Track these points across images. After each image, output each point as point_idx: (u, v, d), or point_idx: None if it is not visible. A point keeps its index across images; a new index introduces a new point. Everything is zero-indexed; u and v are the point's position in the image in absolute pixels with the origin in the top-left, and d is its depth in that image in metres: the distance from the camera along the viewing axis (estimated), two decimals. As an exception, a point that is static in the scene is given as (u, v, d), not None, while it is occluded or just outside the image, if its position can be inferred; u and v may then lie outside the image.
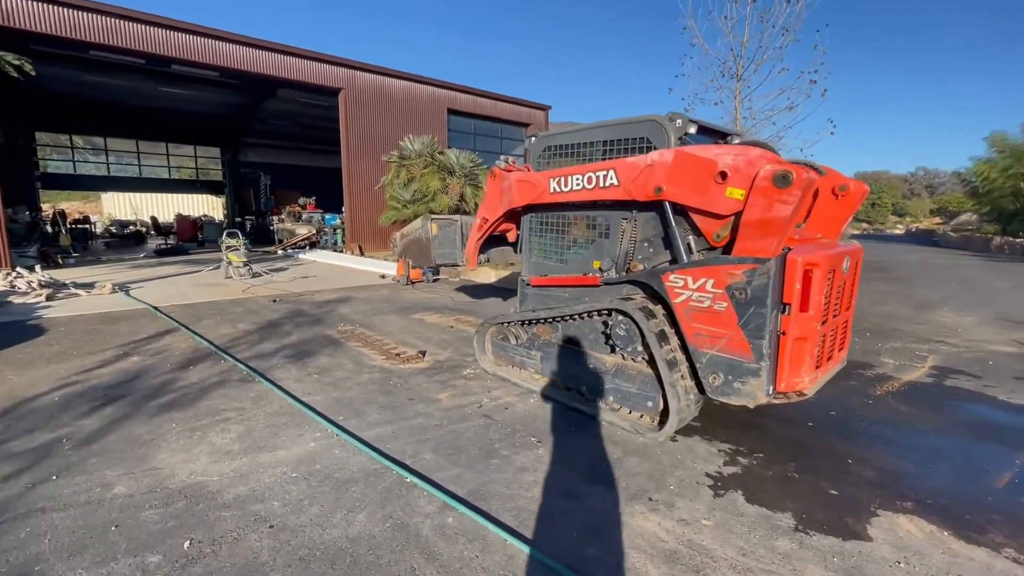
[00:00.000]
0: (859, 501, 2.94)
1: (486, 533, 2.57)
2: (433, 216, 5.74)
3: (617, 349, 3.83)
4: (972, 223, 25.66)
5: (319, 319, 7.29)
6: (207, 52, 13.14)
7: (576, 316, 4.09)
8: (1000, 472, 3.30)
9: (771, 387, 3.14)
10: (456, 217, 5.70)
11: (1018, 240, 18.41)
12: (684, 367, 3.51)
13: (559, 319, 4.25)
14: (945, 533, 2.65)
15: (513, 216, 4.79)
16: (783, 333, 3.07)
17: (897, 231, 36.84)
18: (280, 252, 16.89)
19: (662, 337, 3.48)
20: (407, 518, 2.69)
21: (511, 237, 5.14)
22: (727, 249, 3.28)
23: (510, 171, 4.64)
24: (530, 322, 4.52)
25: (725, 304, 3.13)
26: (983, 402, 4.52)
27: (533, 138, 4.65)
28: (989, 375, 5.20)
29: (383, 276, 11.45)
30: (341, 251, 16.74)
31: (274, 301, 8.53)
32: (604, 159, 4.04)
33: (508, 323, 4.75)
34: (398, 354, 5.60)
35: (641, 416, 3.79)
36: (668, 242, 3.57)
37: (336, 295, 9.28)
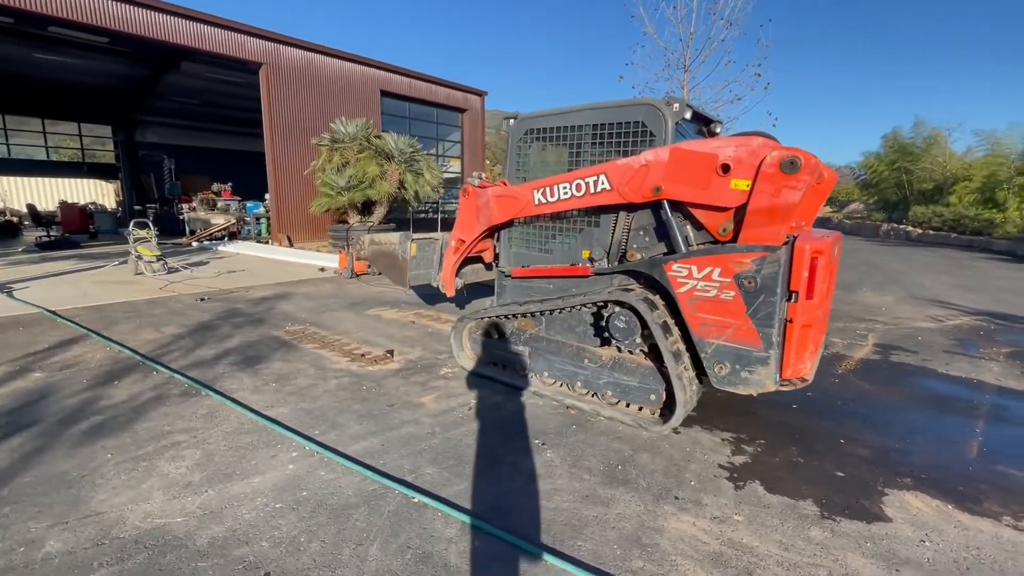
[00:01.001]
0: (865, 481, 3.02)
1: (521, 555, 2.32)
2: (414, 236, 5.20)
3: (615, 342, 3.70)
4: (860, 212, 28.67)
5: (260, 319, 6.55)
6: (95, 12, 11.32)
7: (573, 308, 3.90)
8: (968, 442, 3.57)
9: (778, 375, 3.14)
10: (437, 236, 5.24)
11: (901, 226, 20.87)
12: (687, 358, 3.45)
13: (553, 312, 4.04)
14: (949, 507, 2.78)
15: (491, 234, 4.53)
16: (790, 321, 3.06)
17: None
18: (195, 244, 15.20)
19: (666, 328, 3.39)
20: (428, 546, 2.37)
21: (487, 257, 4.83)
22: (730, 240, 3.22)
23: (485, 187, 4.36)
24: (516, 315, 4.27)
25: (733, 293, 3.06)
26: (928, 375, 4.93)
27: (511, 120, 4.36)
28: (923, 350, 5.70)
29: (323, 269, 10.61)
30: (267, 242, 15.39)
31: (201, 300, 7.57)
32: (594, 144, 3.86)
33: (490, 317, 4.47)
34: (363, 355, 5.13)
35: (640, 409, 3.70)
36: (665, 234, 3.46)
37: (273, 291, 8.43)
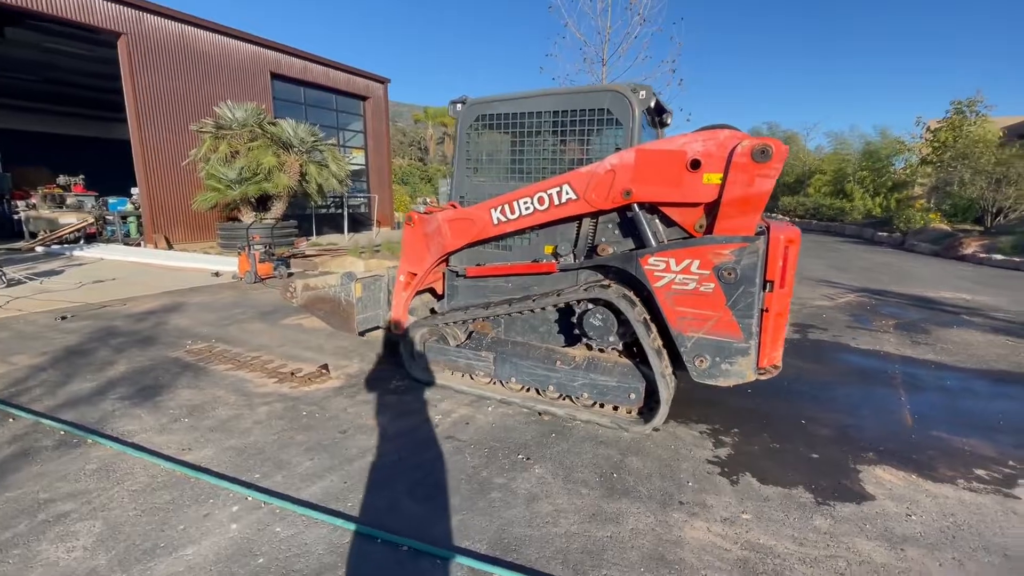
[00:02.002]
0: (838, 461, 3.15)
1: (547, 598, 2.03)
2: (358, 276, 4.50)
3: (589, 341, 3.52)
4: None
5: (149, 338, 5.46)
6: None
7: (545, 308, 3.65)
8: (901, 411, 3.92)
9: (756, 365, 3.16)
10: (381, 272, 4.66)
11: (772, 215, 23.52)
12: (666, 354, 3.37)
13: (523, 312, 3.75)
14: (914, 477, 2.98)
15: (444, 262, 4.13)
16: (766, 310, 3.09)
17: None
18: (40, 249, 12.57)
19: (647, 325, 3.27)
20: (437, 606, 1.99)
21: (439, 288, 4.37)
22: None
23: (432, 212, 3.96)
24: (487, 318, 3.92)
25: (712, 285, 3.02)
26: (844, 350, 5.42)
27: (460, 105, 3.98)
28: (831, 327, 6.30)
29: (217, 274, 9.26)
30: (139, 244, 13.20)
31: (62, 318, 6.16)
32: (555, 133, 3.64)
33: (447, 323, 4.07)
34: (292, 373, 4.44)
35: (616, 409, 3.57)
36: (633, 230, 3.33)
37: (159, 303, 7.14)
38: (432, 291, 4.52)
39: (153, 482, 2.79)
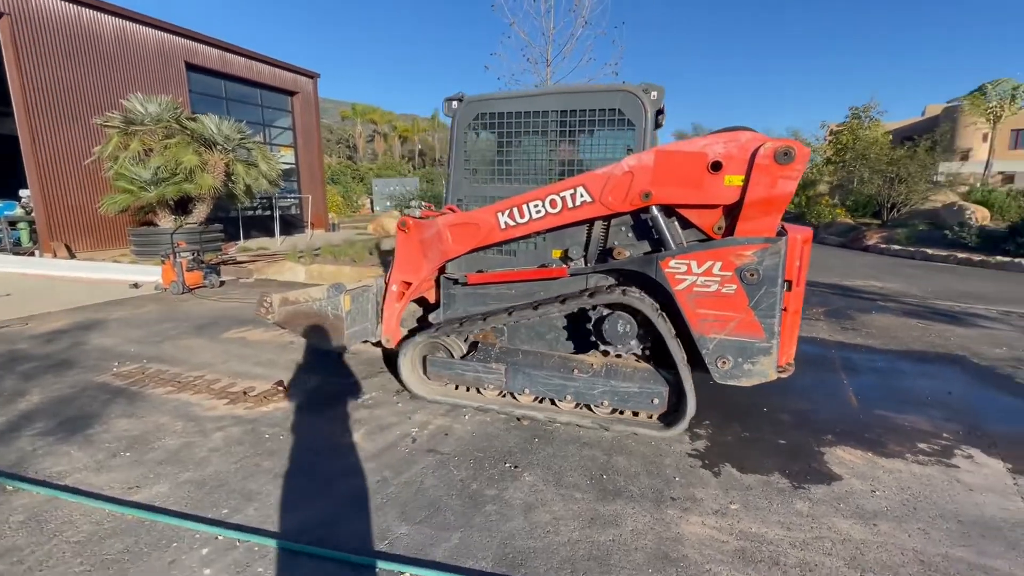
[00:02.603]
0: (804, 445, 3.36)
1: (564, 611, 1.99)
2: (348, 287, 4.08)
3: (608, 347, 3.45)
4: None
5: (65, 361, 4.82)
6: None
7: (569, 314, 3.59)
8: (846, 393, 4.25)
9: (776, 363, 3.14)
10: (369, 282, 4.28)
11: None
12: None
13: (541, 317, 3.59)
14: (870, 455, 3.24)
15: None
16: (784, 309, 3.12)
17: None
18: (-97, 262, 10.76)
19: (670, 331, 3.25)
20: (453, 635, 1.89)
21: (431, 298, 4.14)
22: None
23: (430, 217, 3.74)
24: (491, 327, 3.75)
25: (735, 287, 3.01)
26: (786, 338, 5.81)
27: (456, 102, 3.78)
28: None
29: (136, 285, 8.37)
30: (33, 254, 11.66)
31: (-52, 343, 5.30)
32: (562, 133, 3.53)
33: (450, 334, 3.84)
34: (245, 392, 4.09)
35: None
36: (647, 232, 3.31)
37: (70, 320, 6.33)
38: (418, 301, 4.29)
39: (99, 530, 2.45)
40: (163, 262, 7.96)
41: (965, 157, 26.24)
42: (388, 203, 29.09)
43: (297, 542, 2.34)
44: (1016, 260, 11.40)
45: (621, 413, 3.54)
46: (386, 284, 3.99)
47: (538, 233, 3.54)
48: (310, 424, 3.57)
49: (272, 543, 2.34)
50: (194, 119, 11.76)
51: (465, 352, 3.91)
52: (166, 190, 10.86)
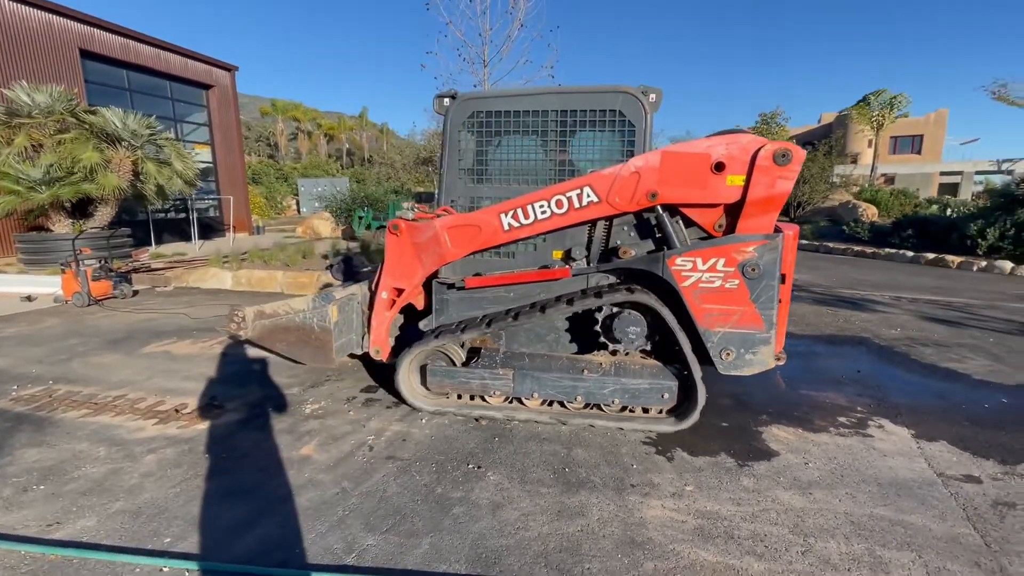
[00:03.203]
0: (744, 426, 3.63)
1: (543, 604, 2.02)
2: (336, 296, 3.81)
3: (617, 345, 3.44)
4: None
5: (-53, 387, 4.19)
6: None
7: (582, 312, 3.54)
8: (774, 376, 4.63)
9: (774, 352, 3.30)
10: (354, 289, 3.99)
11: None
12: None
13: (549, 318, 3.54)
14: (799, 430, 3.55)
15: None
16: (780, 301, 3.24)
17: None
18: None
19: (679, 327, 3.33)
20: (434, 641, 1.86)
21: (420, 305, 3.95)
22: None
23: (424, 219, 3.60)
24: (496, 331, 3.67)
25: (737, 281, 3.15)
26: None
27: (449, 100, 3.67)
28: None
29: (30, 298, 7.42)
30: None
31: None
32: (561, 133, 3.53)
33: (454, 340, 3.66)
34: (176, 410, 3.76)
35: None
36: (649, 231, 3.40)
37: (-53, 340, 5.50)
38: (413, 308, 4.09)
39: (15, 575, 2.16)
40: (63, 271, 7.12)
41: (855, 161, 29.40)
42: (316, 204, 27.73)
43: (255, 564, 2.20)
44: (901, 251, 12.95)
45: (632, 411, 3.57)
46: (372, 291, 3.79)
47: (541, 234, 3.51)
48: (256, 440, 3.36)
49: (230, 568, 2.18)
50: (93, 112, 10.61)
51: (465, 359, 3.78)
52: (61, 191, 9.71)
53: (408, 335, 4.05)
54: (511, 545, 2.37)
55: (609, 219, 3.45)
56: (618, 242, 3.47)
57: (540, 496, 2.76)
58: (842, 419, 3.74)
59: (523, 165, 3.67)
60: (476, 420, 3.64)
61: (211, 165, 17.21)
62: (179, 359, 4.96)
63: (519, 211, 3.37)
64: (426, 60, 8.52)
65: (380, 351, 3.86)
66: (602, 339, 3.50)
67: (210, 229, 16.84)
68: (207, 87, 16.78)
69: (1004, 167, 28.37)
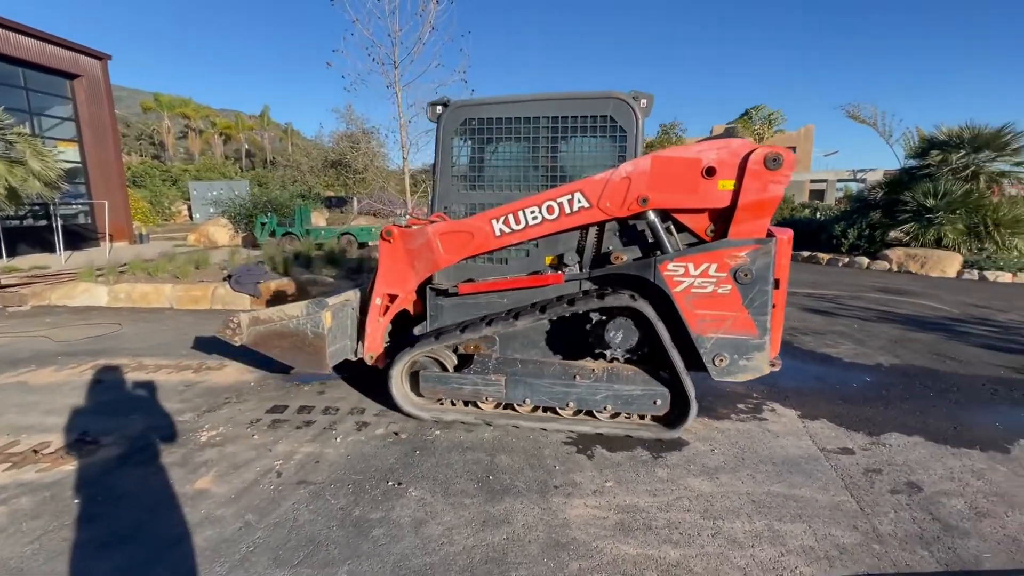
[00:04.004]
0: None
1: (470, 621, 1.96)
2: (329, 302, 3.76)
3: (611, 352, 3.40)
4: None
5: None
6: None
7: (574, 318, 3.49)
8: (681, 369, 4.94)
9: (768, 358, 3.25)
10: (348, 295, 3.92)
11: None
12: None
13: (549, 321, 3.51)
14: (706, 419, 3.79)
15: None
16: (774, 306, 3.22)
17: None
18: None
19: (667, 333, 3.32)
20: None
21: (411, 310, 3.90)
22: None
23: (417, 224, 3.51)
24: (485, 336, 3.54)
25: (729, 287, 3.12)
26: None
27: (441, 107, 3.64)
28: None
29: None
30: None
31: None
32: (551, 139, 3.51)
33: (444, 345, 3.61)
34: (35, 450, 3.22)
35: (642, 417, 3.57)
36: (637, 236, 3.39)
37: None
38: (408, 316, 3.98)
39: None
40: None
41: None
42: (212, 209, 25.20)
43: (139, 623, 1.92)
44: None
45: (627, 417, 3.59)
46: (366, 297, 3.71)
47: (532, 240, 3.50)
48: (139, 477, 2.96)
49: (103, 632, 1.88)
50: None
51: (457, 364, 3.74)
52: None
53: (405, 340, 3.93)
54: (435, 563, 2.28)
55: (601, 224, 3.42)
56: (610, 248, 3.47)
57: (464, 508, 2.70)
58: (741, 406, 4.07)
59: (516, 171, 3.67)
60: (395, 435, 3.50)
61: (79, 165, 15.12)
62: (38, 390, 4.26)
63: (510, 217, 3.34)
64: (333, 58, 8.05)
65: (374, 356, 3.84)
66: (593, 345, 3.50)
67: (80, 238, 14.77)
68: (72, 76, 14.73)
69: (859, 176, 32.89)
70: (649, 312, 3.25)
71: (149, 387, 4.25)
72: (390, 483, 2.92)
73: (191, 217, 28.43)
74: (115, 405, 3.96)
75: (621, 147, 3.42)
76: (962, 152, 12.76)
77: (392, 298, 3.72)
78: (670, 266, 3.18)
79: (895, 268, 11.88)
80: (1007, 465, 3.15)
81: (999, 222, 11.78)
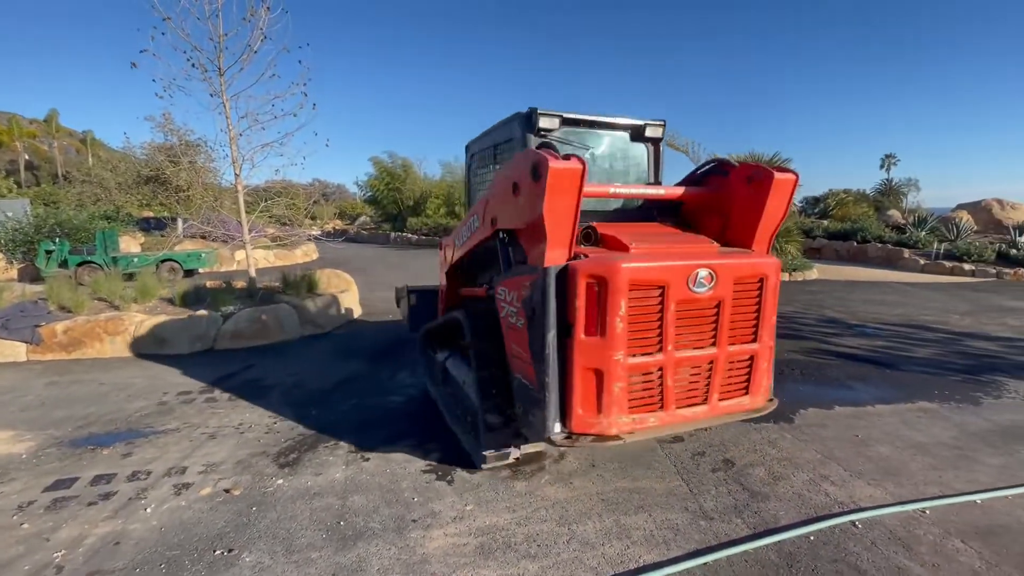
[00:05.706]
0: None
1: None
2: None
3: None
4: (369, 224, 33.96)
5: None
6: None
7: None
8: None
9: (559, 424, 2.50)
10: None
11: (403, 234, 26.29)
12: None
13: None
14: (560, 426, 3.98)
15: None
16: (571, 359, 2.43)
17: (315, 231, 43.48)
18: None
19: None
20: None
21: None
22: None
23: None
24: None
25: (523, 321, 2.60)
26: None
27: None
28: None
29: None
30: None
31: None
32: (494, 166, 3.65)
33: None
34: None
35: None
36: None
37: None
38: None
39: None
40: None
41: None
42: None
43: None
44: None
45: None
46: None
47: (467, 255, 3.59)
48: None
49: None
50: None
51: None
52: None
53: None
54: (273, 638, 1.99)
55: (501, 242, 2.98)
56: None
57: (310, 563, 2.41)
58: (590, 409, 4.34)
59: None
60: (226, 491, 3.02)
61: None
62: None
63: (458, 234, 3.62)
64: (139, 59, 6.92)
65: None
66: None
67: None
68: None
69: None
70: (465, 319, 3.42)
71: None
72: (217, 552, 2.50)
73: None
74: None
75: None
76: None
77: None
78: (499, 289, 2.86)
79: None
80: (792, 433, 3.83)
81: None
